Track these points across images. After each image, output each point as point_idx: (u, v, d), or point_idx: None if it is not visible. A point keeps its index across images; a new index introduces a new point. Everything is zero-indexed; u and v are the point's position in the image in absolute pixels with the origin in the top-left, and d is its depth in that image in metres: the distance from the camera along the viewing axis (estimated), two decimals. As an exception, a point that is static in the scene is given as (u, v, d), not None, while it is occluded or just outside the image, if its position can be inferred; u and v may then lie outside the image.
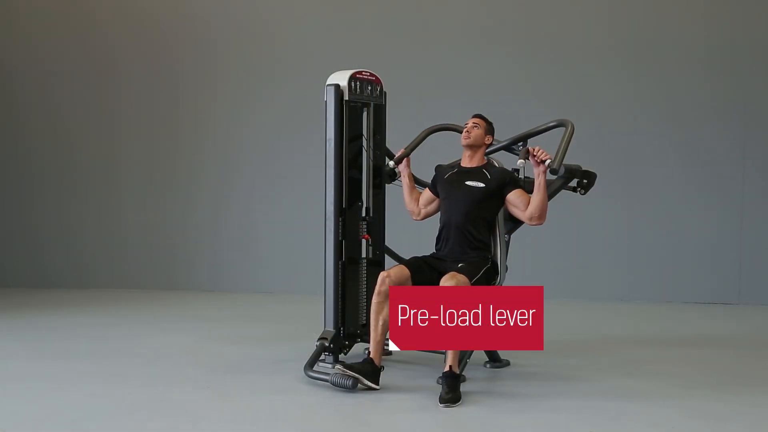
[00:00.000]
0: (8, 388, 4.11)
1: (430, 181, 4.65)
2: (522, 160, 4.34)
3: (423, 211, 4.64)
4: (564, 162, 4.36)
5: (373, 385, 4.00)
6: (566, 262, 7.23)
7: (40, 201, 7.89)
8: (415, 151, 4.80)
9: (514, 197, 4.26)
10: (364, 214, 4.76)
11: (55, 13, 7.87)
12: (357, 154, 4.73)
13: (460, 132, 4.56)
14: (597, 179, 4.52)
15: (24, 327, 5.85)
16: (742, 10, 7.04)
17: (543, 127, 4.56)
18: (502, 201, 4.32)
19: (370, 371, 4.02)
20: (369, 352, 4.14)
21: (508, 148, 4.64)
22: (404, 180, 4.70)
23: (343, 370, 3.98)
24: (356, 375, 3.96)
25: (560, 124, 4.45)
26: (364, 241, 4.74)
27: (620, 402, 3.90)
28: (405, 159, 4.70)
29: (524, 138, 4.58)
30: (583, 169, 4.47)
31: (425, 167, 4.89)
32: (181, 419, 3.62)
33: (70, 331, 5.65)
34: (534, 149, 4.12)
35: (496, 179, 4.31)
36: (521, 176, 4.49)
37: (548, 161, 4.09)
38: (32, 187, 7.91)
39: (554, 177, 4.36)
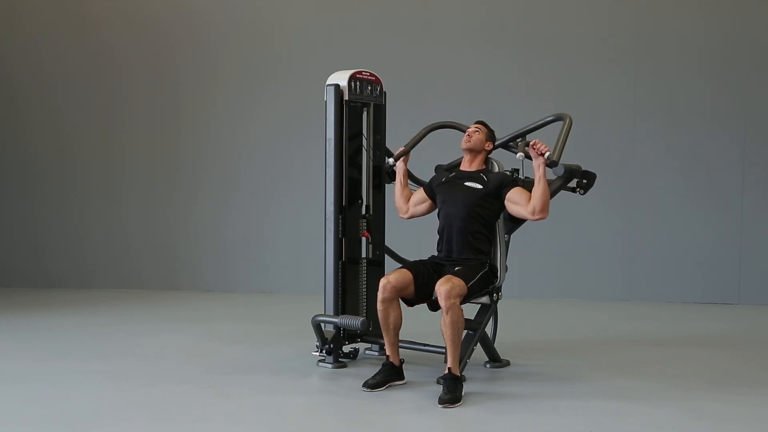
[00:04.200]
0: (8, 388, 4.12)
1: (428, 181, 4.64)
2: (521, 153, 4.35)
3: (411, 210, 4.61)
4: (564, 162, 4.37)
5: (401, 382, 4.18)
6: (566, 262, 7.23)
7: (41, 201, 7.89)
8: (416, 149, 4.80)
9: (513, 195, 4.25)
10: (363, 212, 4.76)
11: (56, 13, 7.87)
12: (357, 154, 4.74)
13: (462, 131, 4.56)
14: (597, 179, 4.51)
15: (25, 327, 5.86)
16: (741, 13, 7.04)
17: (541, 121, 4.55)
18: (501, 204, 4.31)
19: (393, 373, 4.15)
20: (387, 357, 4.20)
21: (506, 145, 4.64)
22: (398, 176, 4.67)
23: (371, 389, 4.06)
24: (385, 386, 4.10)
25: (558, 118, 4.45)
26: (363, 240, 4.74)
27: (620, 402, 3.90)
28: (404, 156, 4.69)
29: (523, 134, 4.59)
30: (583, 169, 4.47)
31: (426, 166, 4.90)
32: (182, 419, 3.62)
33: (71, 331, 5.65)
34: (533, 142, 4.16)
35: (494, 182, 4.31)
36: (521, 176, 4.49)
37: (547, 153, 4.12)
38: (34, 187, 7.91)
39: (554, 175, 4.35)
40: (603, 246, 7.20)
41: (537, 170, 4.13)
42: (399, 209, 4.67)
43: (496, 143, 4.58)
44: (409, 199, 4.63)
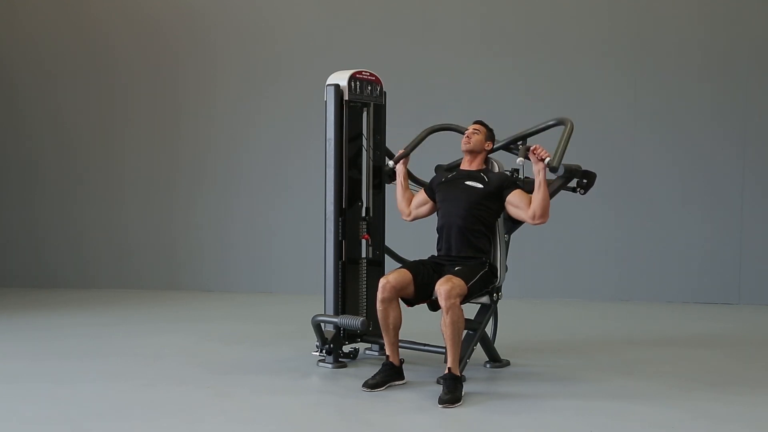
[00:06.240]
0: (8, 388, 4.12)
1: (428, 182, 4.64)
2: (521, 159, 4.34)
3: (414, 213, 4.62)
4: (563, 162, 4.36)
5: (401, 382, 4.17)
6: (566, 262, 7.23)
7: (43, 201, 7.89)
8: (416, 150, 4.80)
9: (514, 198, 4.25)
10: (364, 214, 4.76)
11: (56, 13, 7.87)
12: (357, 154, 4.74)
13: (461, 132, 4.56)
14: (597, 179, 4.51)
15: (26, 327, 5.86)
16: (741, 13, 7.04)
17: (543, 125, 4.54)
18: (501, 204, 4.31)
19: (393, 373, 4.16)
20: (387, 357, 4.20)
21: (507, 147, 4.64)
22: (398, 179, 4.68)
23: (371, 389, 4.06)
24: (384, 386, 4.09)
25: (559, 123, 4.44)
26: (364, 242, 4.74)
27: (620, 402, 3.90)
28: (404, 158, 4.70)
29: (523, 137, 4.57)
30: (583, 169, 4.46)
31: (426, 167, 4.90)
32: (182, 419, 3.63)
33: (71, 331, 5.65)
34: (533, 147, 4.17)
35: (495, 182, 4.32)
36: (521, 176, 4.49)
37: (548, 159, 4.11)
38: (35, 187, 7.90)
39: (554, 176, 4.35)
40: (603, 246, 7.20)
41: (537, 175, 4.14)
42: (402, 212, 4.67)
43: (496, 146, 4.57)
44: (410, 202, 4.63)
